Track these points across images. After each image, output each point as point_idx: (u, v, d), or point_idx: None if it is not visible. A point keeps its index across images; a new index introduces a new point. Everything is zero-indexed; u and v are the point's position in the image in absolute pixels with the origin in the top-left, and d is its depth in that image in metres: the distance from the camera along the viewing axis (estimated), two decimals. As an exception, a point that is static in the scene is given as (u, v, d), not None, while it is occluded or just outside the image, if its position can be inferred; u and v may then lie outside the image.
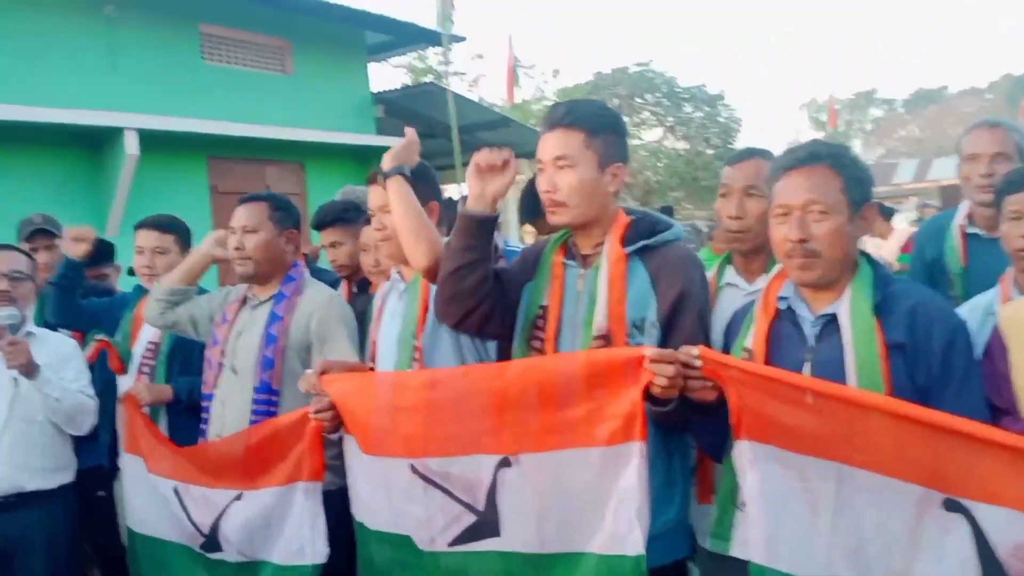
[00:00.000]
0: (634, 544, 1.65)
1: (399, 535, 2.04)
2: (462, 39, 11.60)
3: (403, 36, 11.01)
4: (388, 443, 2.03)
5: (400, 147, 2.26)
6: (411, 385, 2.05)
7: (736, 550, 1.72)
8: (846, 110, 48.10)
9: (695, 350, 1.65)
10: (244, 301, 2.72)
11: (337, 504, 2.24)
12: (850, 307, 1.71)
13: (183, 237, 3.24)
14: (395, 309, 2.38)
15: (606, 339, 1.86)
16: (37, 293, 3.01)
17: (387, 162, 2.23)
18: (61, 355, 2.82)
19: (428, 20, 11.04)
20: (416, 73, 25.61)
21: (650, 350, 1.66)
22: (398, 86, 13.83)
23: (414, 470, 1.97)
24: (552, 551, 1.80)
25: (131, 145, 7.62)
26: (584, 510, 1.74)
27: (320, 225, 3.29)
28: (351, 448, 2.16)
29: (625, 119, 2.20)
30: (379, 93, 11.10)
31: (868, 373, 1.65)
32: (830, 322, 1.73)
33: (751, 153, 2.24)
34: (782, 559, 1.59)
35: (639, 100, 28.81)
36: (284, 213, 2.69)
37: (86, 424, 2.76)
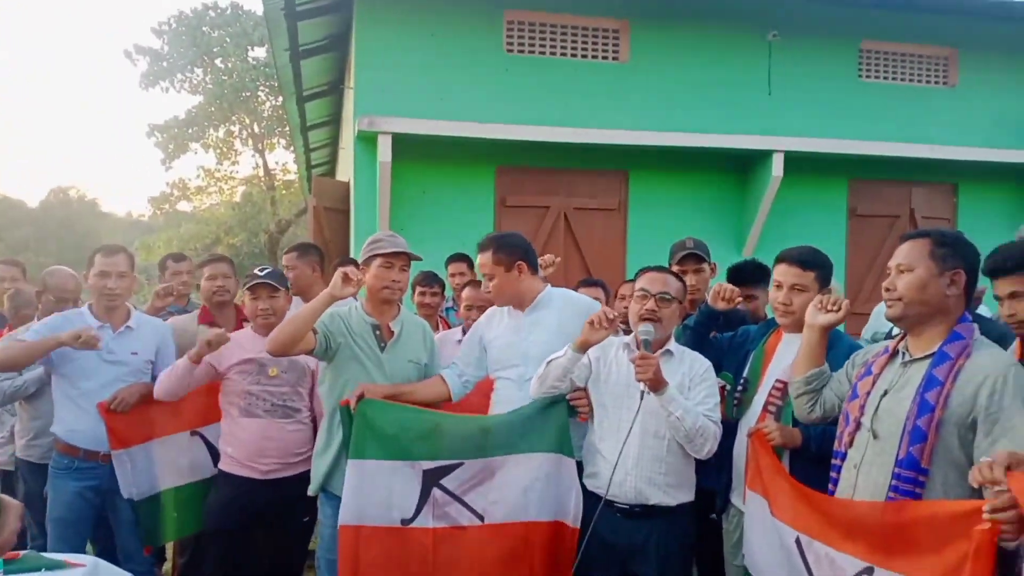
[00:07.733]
0: None
1: None
2: None
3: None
4: None
5: None
6: None
7: None
8: None
9: None
10: (894, 354, 2.39)
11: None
12: None
13: (823, 274, 2.95)
14: None
15: None
16: (683, 315, 3.19)
17: None
18: (696, 375, 2.90)
19: None
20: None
21: None
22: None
23: None
24: None
25: (777, 167, 7.81)
26: None
27: (995, 272, 2.61)
28: None
29: None
30: (1067, 101, 9.16)
31: None
32: None
33: None
34: None
35: None
36: (951, 250, 2.26)
37: (704, 448, 2.79)
